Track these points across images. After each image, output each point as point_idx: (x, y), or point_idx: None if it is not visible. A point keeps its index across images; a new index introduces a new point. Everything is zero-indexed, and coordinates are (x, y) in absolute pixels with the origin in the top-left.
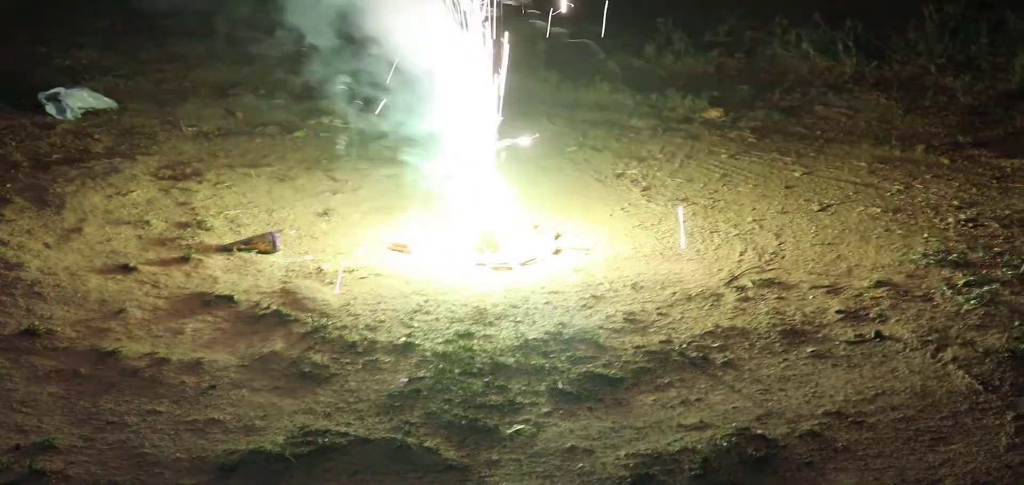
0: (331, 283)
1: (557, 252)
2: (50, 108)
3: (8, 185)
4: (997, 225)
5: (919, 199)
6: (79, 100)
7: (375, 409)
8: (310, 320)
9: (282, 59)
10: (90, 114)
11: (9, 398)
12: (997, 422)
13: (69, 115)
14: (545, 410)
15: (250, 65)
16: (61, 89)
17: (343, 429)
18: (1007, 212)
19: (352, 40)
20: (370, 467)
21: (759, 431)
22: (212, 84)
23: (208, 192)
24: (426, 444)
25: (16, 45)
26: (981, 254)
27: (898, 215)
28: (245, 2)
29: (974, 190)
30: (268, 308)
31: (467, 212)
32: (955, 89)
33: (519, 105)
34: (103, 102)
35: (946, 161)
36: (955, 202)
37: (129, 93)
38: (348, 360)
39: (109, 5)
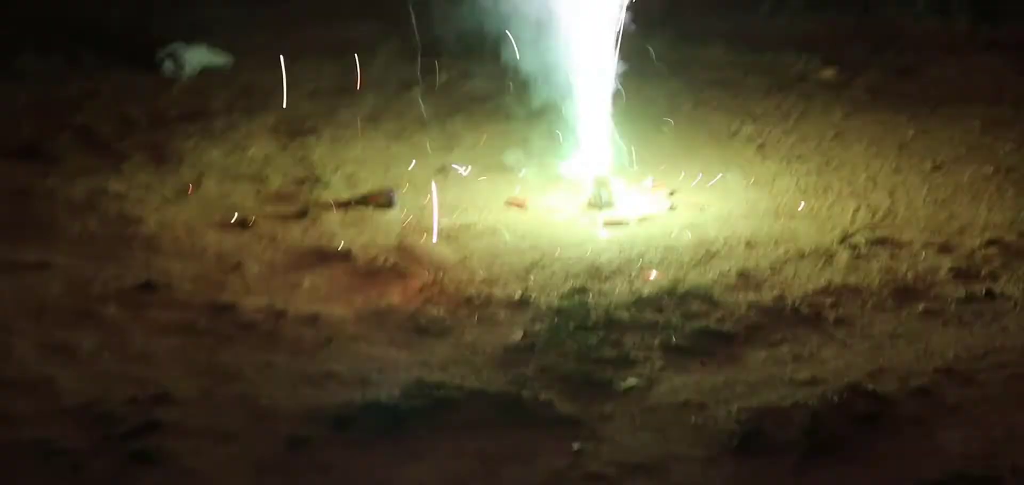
0: (448, 238)
1: (672, 208)
2: (168, 65)
3: (126, 141)
4: None
5: None
6: (197, 56)
7: (491, 362)
8: (427, 275)
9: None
10: (207, 71)
11: (126, 351)
12: None
13: (187, 71)
14: (659, 365)
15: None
16: (179, 45)
17: (458, 382)
18: None
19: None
20: (484, 419)
21: (870, 387)
22: (330, 41)
23: (325, 149)
24: (540, 397)
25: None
26: None
27: (1011, 174)
28: None
29: None
30: (385, 263)
31: (583, 169)
32: None
33: (632, 62)
34: (221, 58)
35: None
36: None
37: (247, 50)
38: (464, 314)
39: None
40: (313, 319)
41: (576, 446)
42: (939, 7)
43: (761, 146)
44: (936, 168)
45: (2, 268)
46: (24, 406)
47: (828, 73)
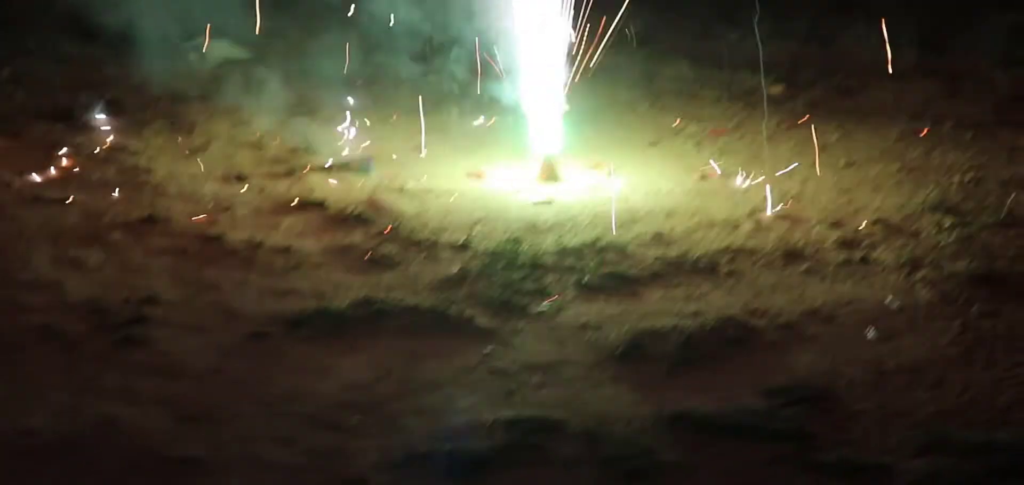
0: (411, 197)
1: (610, 184)
2: (192, 56)
3: (147, 111)
4: (995, 184)
5: (935, 162)
6: (218, 50)
7: (428, 288)
8: (387, 222)
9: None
10: (226, 63)
11: (126, 266)
12: (945, 326)
13: (209, 62)
14: (570, 297)
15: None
16: (202, 39)
17: (397, 299)
18: (1008, 176)
19: None
20: (415, 327)
21: (741, 319)
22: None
23: (319, 125)
24: (464, 314)
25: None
26: (972, 204)
27: (911, 173)
28: None
29: (985, 158)
30: (353, 212)
31: (538, 149)
32: (1000, 81)
33: (603, 74)
34: (238, 53)
35: (968, 136)
36: (965, 166)
37: (261, 47)
38: (413, 253)
39: None
40: (285, 250)
41: (487, 349)
42: (892, 39)
43: (698, 142)
44: (848, 165)
45: (31, 201)
46: (35, 300)
47: (776, 88)
